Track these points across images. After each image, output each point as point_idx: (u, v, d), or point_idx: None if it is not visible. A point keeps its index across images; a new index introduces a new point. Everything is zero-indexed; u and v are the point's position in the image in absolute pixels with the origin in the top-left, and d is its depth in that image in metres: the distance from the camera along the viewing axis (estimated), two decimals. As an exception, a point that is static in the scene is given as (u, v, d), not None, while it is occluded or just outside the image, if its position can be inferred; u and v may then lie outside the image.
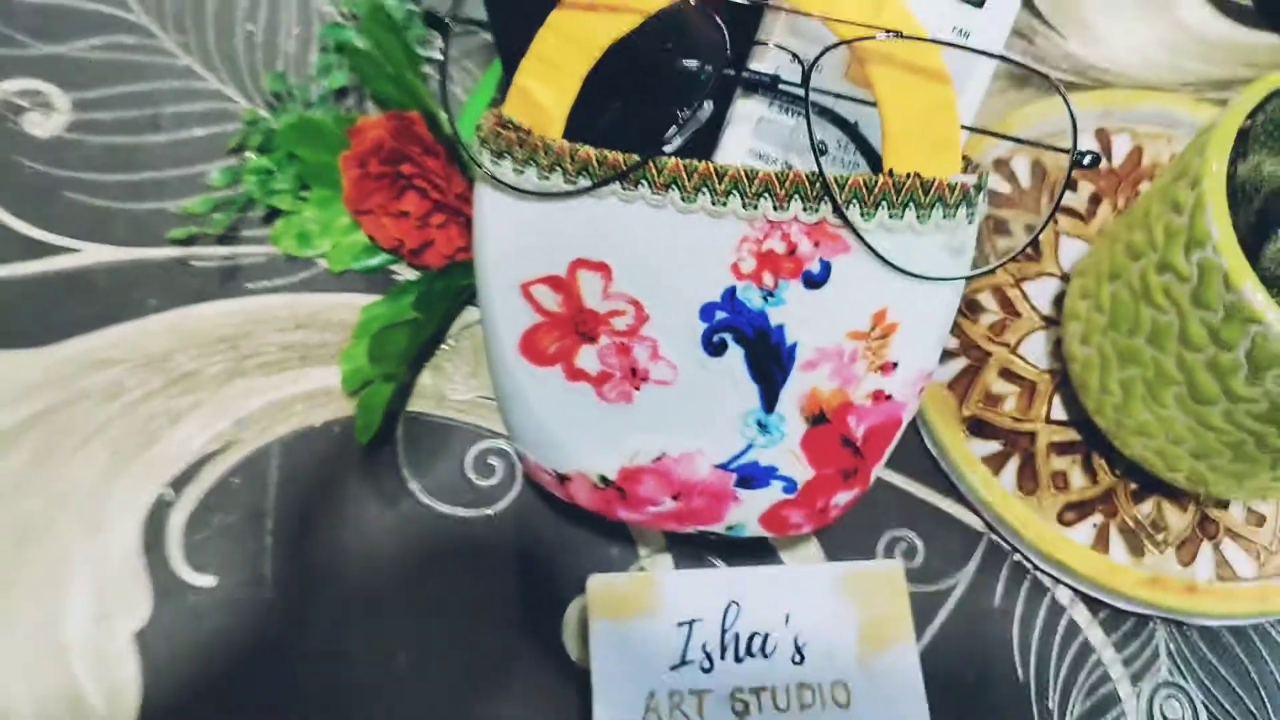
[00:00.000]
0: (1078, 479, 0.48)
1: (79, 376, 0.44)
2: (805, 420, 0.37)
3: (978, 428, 0.48)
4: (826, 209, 0.34)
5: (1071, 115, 0.34)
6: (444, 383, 0.46)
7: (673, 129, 0.34)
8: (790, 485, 0.38)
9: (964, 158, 0.37)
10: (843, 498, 0.39)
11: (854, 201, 0.34)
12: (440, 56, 0.49)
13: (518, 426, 0.39)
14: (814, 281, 0.35)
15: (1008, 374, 0.49)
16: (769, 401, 0.36)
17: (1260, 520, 0.48)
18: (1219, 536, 0.47)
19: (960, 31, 0.37)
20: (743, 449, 0.37)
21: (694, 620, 0.43)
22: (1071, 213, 0.53)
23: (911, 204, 0.34)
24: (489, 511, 0.44)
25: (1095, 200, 0.53)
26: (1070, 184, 0.35)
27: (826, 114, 0.37)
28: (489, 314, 0.38)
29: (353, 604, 0.42)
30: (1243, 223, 0.38)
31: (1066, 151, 0.34)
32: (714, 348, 0.36)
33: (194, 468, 0.43)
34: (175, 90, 0.50)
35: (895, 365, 0.36)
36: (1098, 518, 0.47)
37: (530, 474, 0.41)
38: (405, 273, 0.48)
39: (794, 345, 0.36)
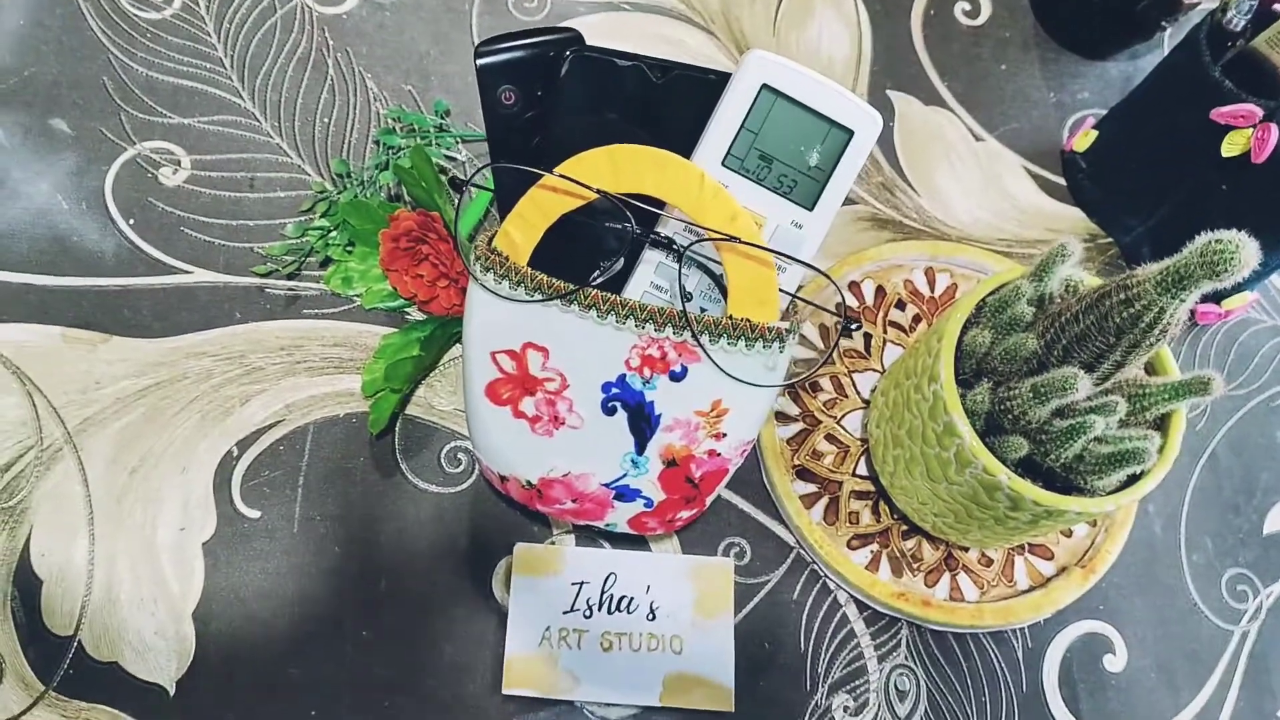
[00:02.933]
0: (866, 517, 0.68)
1: (182, 362, 0.64)
2: (663, 463, 0.57)
3: (803, 473, 0.68)
4: (688, 334, 0.54)
5: (839, 290, 0.54)
6: (433, 396, 0.66)
7: (596, 273, 0.54)
8: (649, 503, 0.58)
9: (787, 310, 0.58)
10: (684, 514, 0.59)
11: (705, 332, 0.54)
12: (457, 176, 0.69)
13: (478, 441, 0.59)
14: (676, 377, 0.55)
15: (831, 438, 0.70)
16: (640, 448, 0.57)
17: (989, 562, 0.69)
18: (957, 569, 0.68)
19: (795, 223, 0.57)
20: (620, 476, 0.57)
21: (583, 582, 0.64)
22: (898, 326, 0.73)
23: (742, 337, 0.54)
24: (453, 490, 0.64)
25: (917, 320, 0.73)
26: (848, 334, 0.55)
27: (703, 268, 0.57)
28: (468, 367, 0.58)
29: (352, 543, 0.62)
30: (966, 369, 0.59)
31: (836, 314, 0.55)
32: (608, 410, 0.56)
33: (254, 435, 0.64)
34: (267, 161, 0.70)
35: (725, 435, 0.57)
36: (875, 546, 0.68)
37: (483, 471, 0.61)
38: (415, 315, 0.68)
39: (660, 415, 0.56)
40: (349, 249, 0.68)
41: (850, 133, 0.56)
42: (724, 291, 0.58)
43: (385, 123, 0.71)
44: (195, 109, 0.70)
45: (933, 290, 0.74)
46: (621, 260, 0.55)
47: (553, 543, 0.65)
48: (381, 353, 0.66)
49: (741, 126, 0.55)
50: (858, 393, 0.71)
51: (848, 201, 0.75)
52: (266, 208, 0.68)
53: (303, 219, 0.68)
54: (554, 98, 0.56)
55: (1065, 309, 0.54)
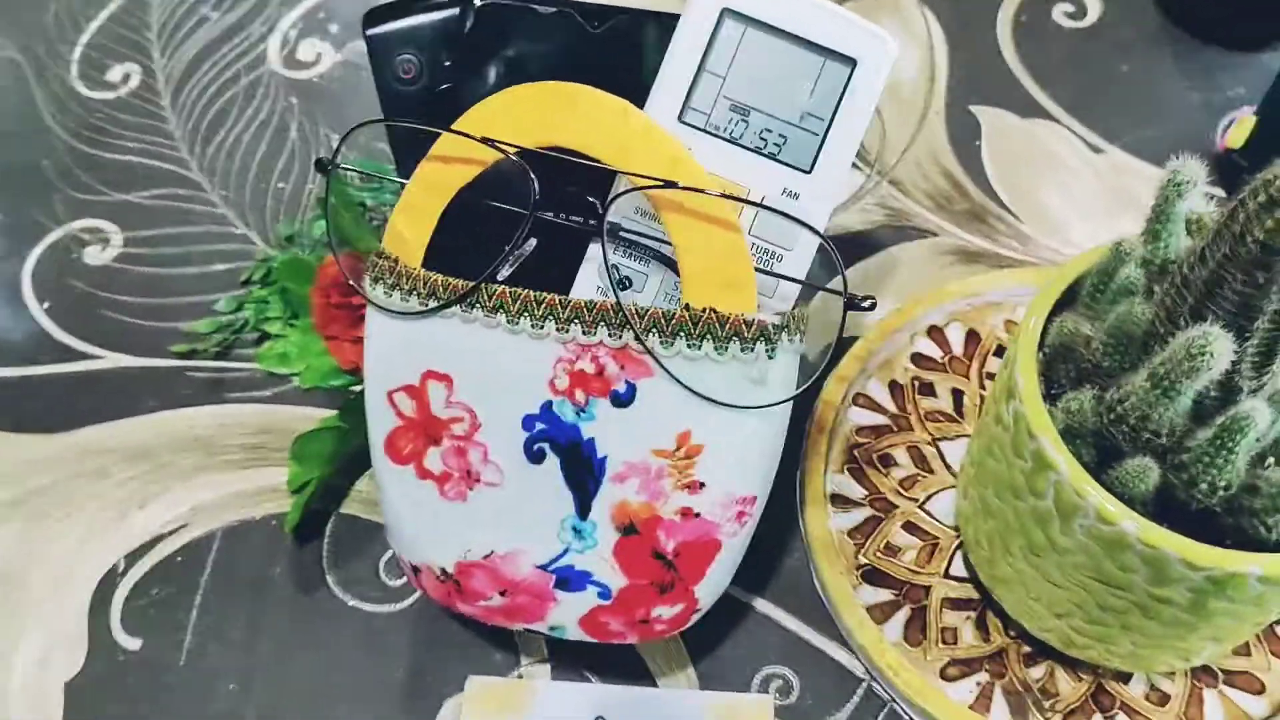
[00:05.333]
0: (968, 636, 0.48)
1: (79, 460, 0.52)
2: (616, 530, 0.40)
3: (873, 576, 0.49)
4: (629, 337, 0.38)
5: (837, 259, 0.37)
6: (375, 489, 0.52)
7: (499, 261, 0.39)
8: (605, 591, 0.41)
9: (796, 303, 0.41)
10: (665, 611, 0.41)
11: (653, 331, 0.38)
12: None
13: (387, 521, 0.44)
14: (621, 401, 0.39)
15: (911, 527, 0.50)
16: (583, 509, 0.40)
17: (1164, 699, 0.46)
18: (1113, 711, 0.46)
19: (789, 193, 0.41)
20: (560, 552, 0.40)
21: (558, 729, 0.46)
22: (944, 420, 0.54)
23: (709, 336, 0.38)
24: (393, 608, 0.49)
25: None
26: (855, 307, 0.38)
27: (661, 258, 0.41)
28: (369, 418, 0.43)
29: (253, 679, 0.47)
30: (1064, 380, 0.40)
31: (840, 294, 0.38)
32: (534, 455, 0.40)
33: (148, 545, 0.50)
34: (210, 233, 0.60)
35: (703, 485, 0.39)
36: (983, 676, 0.47)
37: (401, 567, 0.45)
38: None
39: (604, 458, 0.39)
40: (292, 321, 0.56)
41: (852, 62, 0.41)
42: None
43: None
44: (136, 184, 0.61)
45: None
46: (533, 241, 0.40)
47: (519, 675, 0.47)
48: (309, 437, 0.52)
49: (700, 68, 0.41)
50: (946, 466, 0.52)
51: (923, 234, 0.58)
52: (201, 283, 0.58)
53: (240, 292, 0.57)
54: (461, 61, 0.44)
55: (1188, 256, 0.35)
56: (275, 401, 0.54)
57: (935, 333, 0.56)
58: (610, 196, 0.39)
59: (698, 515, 0.40)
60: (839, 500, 0.51)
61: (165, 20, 0.68)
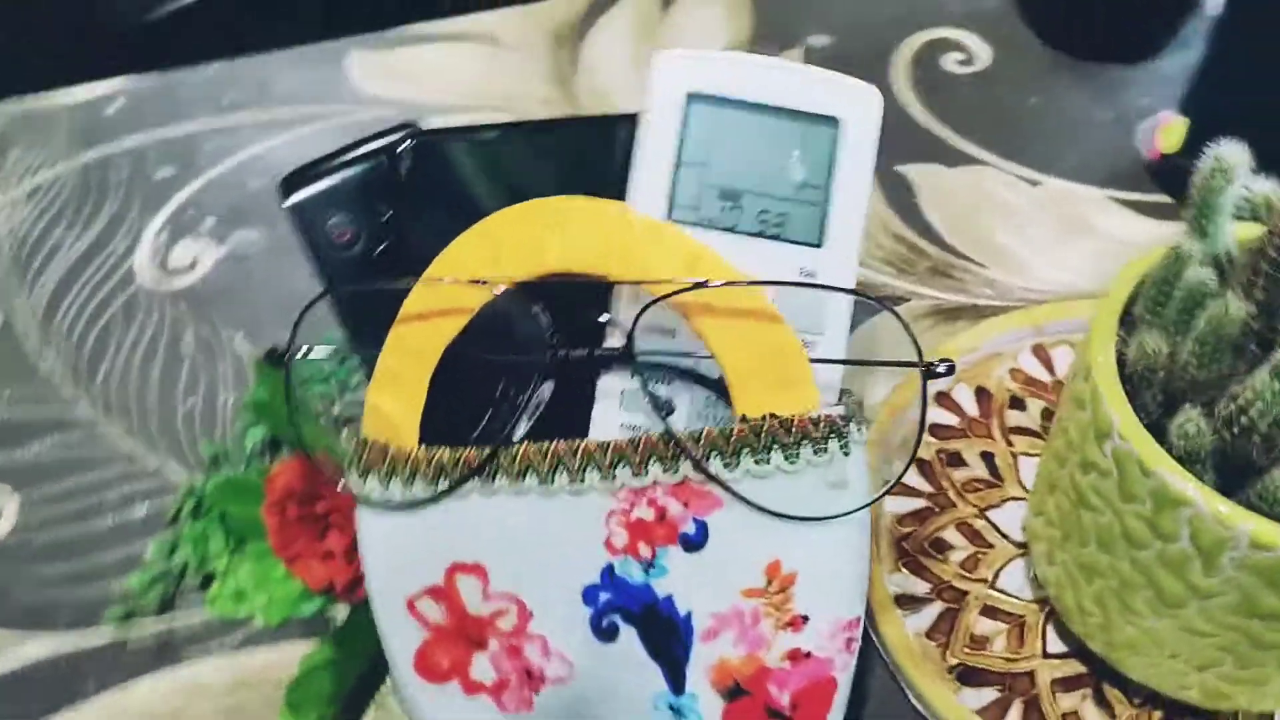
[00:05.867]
0: (1093, 716, 0.43)
1: (15, 779, 0.43)
2: (721, 696, 0.33)
3: (968, 676, 0.44)
4: (687, 467, 0.33)
5: (906, 326, 0.33)
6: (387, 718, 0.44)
7: (516, 416, 0.33)
8: (721, 775, 0.34)
9: (843, 391, 0.36)
10: (791, 780, 0.35)
11: (713, 454, 0.33)
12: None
13: (430, 755, 0.36)
14: (693, 543, 0.33)
15: (991, 611, 0.45)
16: (676, 682, 0.33)
17: (1313, 732, 0.42)
18: (1269, 758, 0.41)
19: (805, 272, 0.37)
20: (659, 740, 0.34)
21: None
22: (1027, 432, 0.51)
23: (776, 446, 0.33)
24: None
25: (1048, 415, 0.51)
26: (934, 375, 0.34)
27: (687, 375, 0.36)
28: (383, 636, 0.36)
29: None
30: (1152, 405, 0.36)
31: (917, 365, 0.33)
32: (605, 633, 0.33)
33: None
34: (119, 474, 0.51)
35: (806, 619, 0.34)
36: (1124, 759, 0.42)
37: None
38: (341, 613, 0.47)
39: (688, 615, 0.33)
40: (237, 553, 0.48)
41: (835, 121, 0.37)
42: (729, 401, 0.36)
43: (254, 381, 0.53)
44: (19, 440, 0.53)
45: (1053, 372, 0.52)
46: (549, 384, 0.34)
47: None
48: (303, 679, 0.44)
49: (678, 163, 0.37)
50: (1004, 536, 0.47)
51: (896, 301, 0.55)
52: (122, 533, 0.50)
53: (169, 533, 0.49)
54: (403, 210, 0.38)
55: (1273, 231, 0.32)
56: (243, 648, 0.46)
57: (944, 399, 0.52)
58: (637, 314, 0.33)
59: (808, 655, 0.34)
60: (905, 601, 0.46)
61: (15, 254, 0.60)
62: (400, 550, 0.35)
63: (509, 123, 0.39)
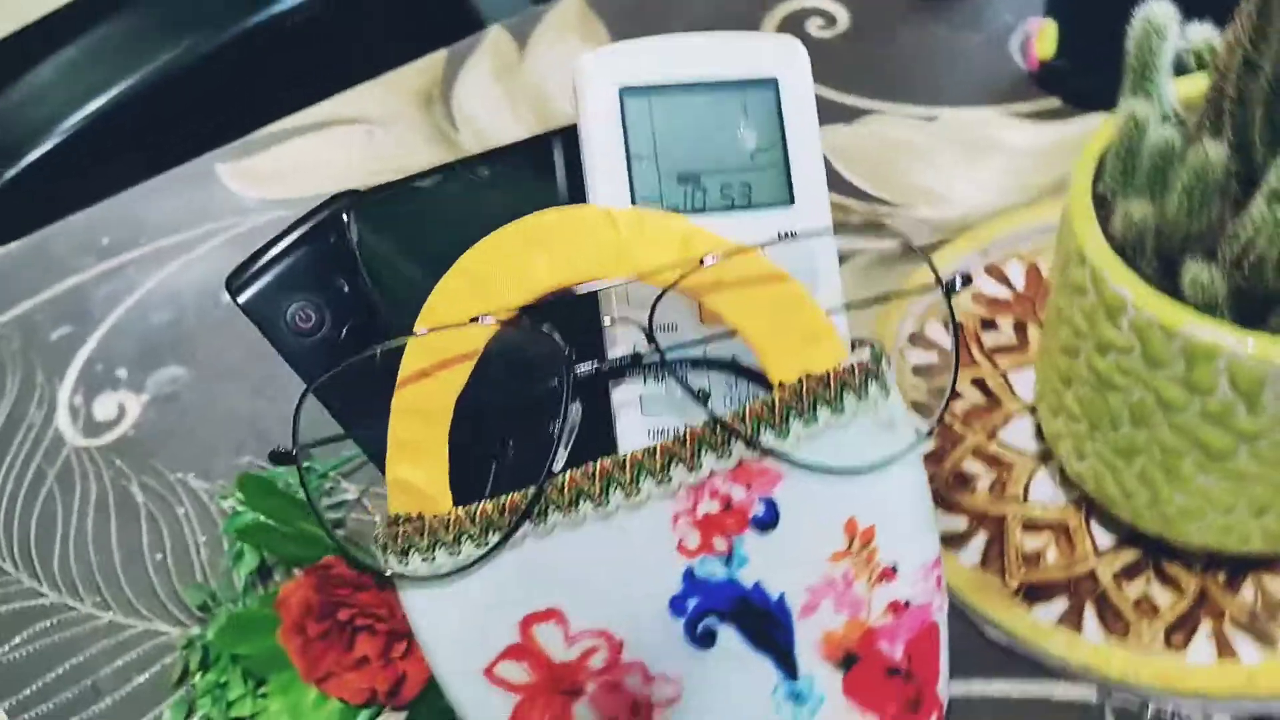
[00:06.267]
0: (1161, 597, 0.43)
1: None
2: (837, 668, 0.32)
3: (1034, 593, 0.43)
4: (740, 448, 0.32)
5: (916, 249, 0.33)
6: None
7: (554, 446, 0.32)
8: (857, 748, 0.33)
9: (855, 340, 0.36)
10: (923, 734, 0.34)
11: (763, 427, 0.32)
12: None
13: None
14: (765, 524, 0.32)
15: (1032, 526, 0.45)
16: (788, 668, 0.32)
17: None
18: (1337, 585, 0.42)
19: (785, 234, 0.36)
20: (787, 732, 0.32)
21: None
22: (1007, 349, 0.51)
23: (820, 403, 0.32)
24: None
25: (1020, 328, 0.51)
26: (953, 290, 0.33)
27: (702, 364, 0.35)
28: (464, 716, 0.34)
29: None
30: (1149, 272, 0.36)
31: (936, 286, 0.33)
32: (702, 639, 0.32)
33: None
34: (107, 649, 0.48)
35: (895, 569, 0.33)
36: (1206, 626, 0.42)
37: None
38: (397, 718, 0.44)
39: (781, 597, 0.32)
40: (261, 692, 0.45)
41: (773, 81, 0.37)
42: (753, 379, 0.35)
43: (223, 515, 0.50)
44: (-9, 643, 0.49)
45: (1011, 286, 0.53)
46: (577, 406, 0.33)
47: None
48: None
49: (629, 159, 0.36)
50: (1019, 452, 0.47)
51: (845, 257, 0.55)
52: (127, 709, 0.46)
53: (182, 692, 0.46)
54: (363, 280, 0.36)
55: (1224, 79, 0.33)
56: (296, 789, 0.43)
57: (920, 340, 0.52)
58: (651, 308, 0.32)
59: (907, 605, 0.33)
60: (950, 540, 0.45)
61: (-77, 456, 0.56)
62: (463, 621, 0.33)
63: (442, 165, 0.37)
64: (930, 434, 0.34)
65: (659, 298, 0.32)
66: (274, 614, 0.44)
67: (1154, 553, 0.43)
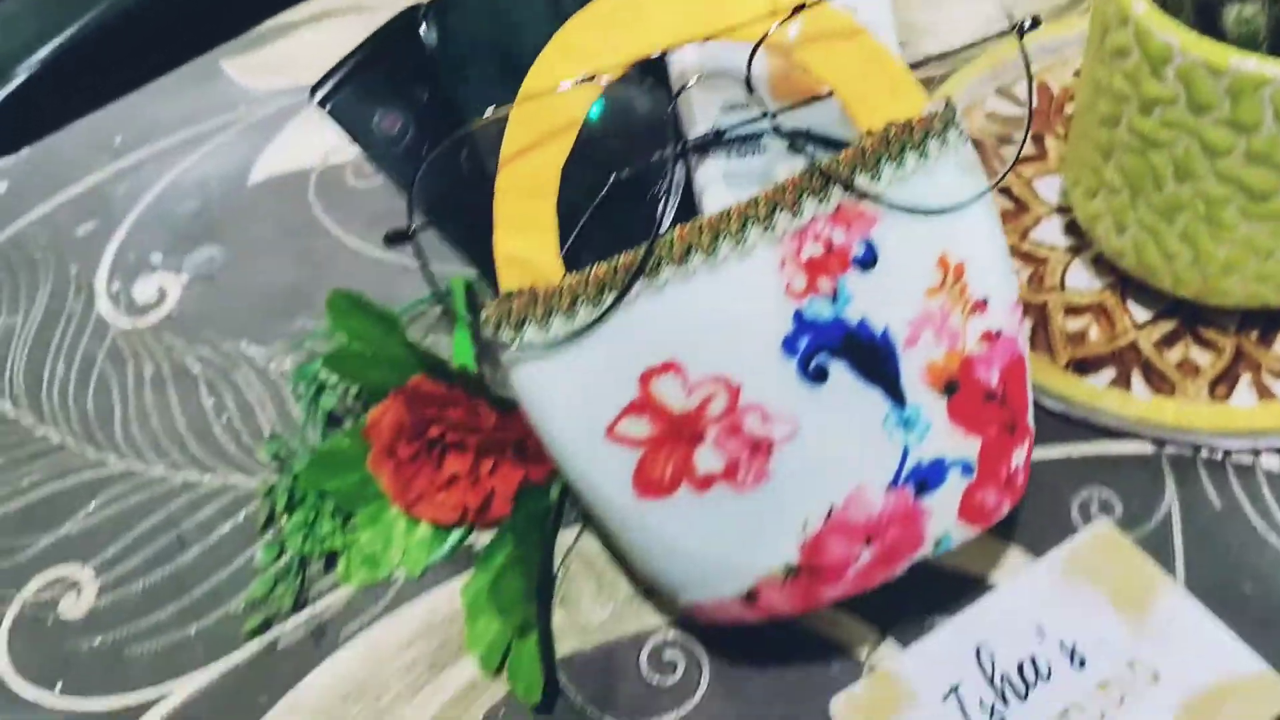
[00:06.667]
0: (1201, 358, 0.45)
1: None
2: (941, 394, 0.34)
3: (1082, 367, 0.46)
4: (838, 191, 0.33)
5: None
6: (577, 612, 0.43)
7: (660, 202, 0.33)
8: (967, 466, 0.35)
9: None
10: (1018, 456, 0.36)
11: (858, 170, 0.33)
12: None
13: (674, 575, 0.36)
14: (866, 263, 0.34)
15: (1073, 310, 0.48)
16: (896, 397, 0.34)
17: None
18: (1361, 331, 0.45)
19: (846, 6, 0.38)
20: (901, 456, 0.34)
21: (956, 686, 0.39)
22: (1028, 160, 0.53)
23: (906, 148, 0.34)
24: (690, 704, 0.40)
25: (1038, 140, 0.54)
26: (1023, 32, 0.35)
27: (769, 135, 0.37)
28: (586, 482, 0.35)
29: None
30: (1189, 24, 0.39)
31: (1012, 30, 0.35)
32: (815, 376, 0.34)
33: (384, 833, 0.39)
34: (184, 505, 0.48)
35: (985, 301, 0.35)
36: (1245, 378, 0.44)
37: (709, 620, 0.37)
38: (481, 540, 0.45)
39: (885, 330, 0.34)
40: (349, 527, 0.46)
41: None
42: (825, 146, 0.37)
43: (286, 371, 0.51)
44: (67, 512, 0.49)
45: (1020, 104, 0.55)
46: (680, 166, 0.34)
47: (870, 668, 0.40)
48: (473, 609, 0.43)
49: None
50: (1051, 248, 0.50)
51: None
52: (215, 556, 0.47)
53: (269, 535, 0.47)
54: (442, 82, 0.38)
55: None
56: (397, 607, 0.44)
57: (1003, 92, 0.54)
58: (750, 55, 0.34)
59: (998, 334, 0.35)
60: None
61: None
62: (581, 387, 0.34)
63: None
64: (1008, 172, 0.35)
65: (757, 45, 0.33)
66: (358, 448, 0.45)
67: (1190, 321, 0.46)
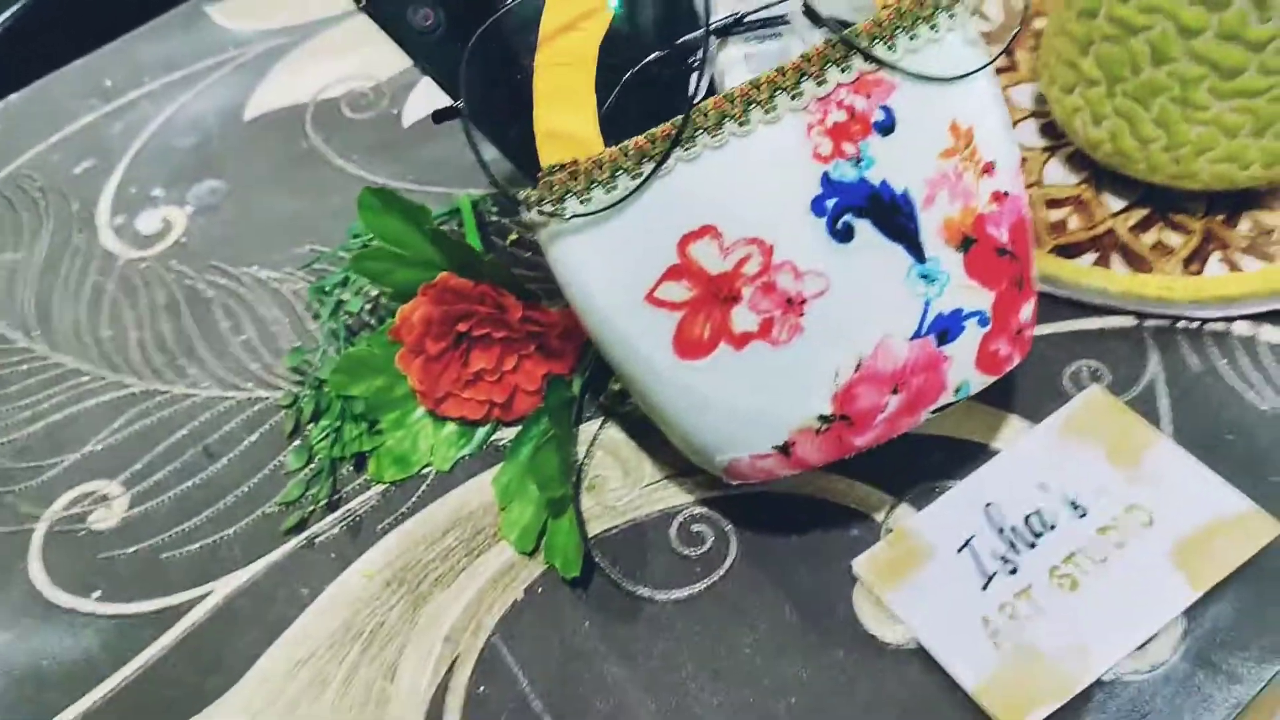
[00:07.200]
0: (1174, 239, 0.49)
1: (277, 693, 0.41)
2: (958, 250, 0.37)
3: (1065, 251, 0.49)
4: (858, 62, 0.36)
5: None
6: (605, 495, 0.45)
7: (695, 75, 0.35)
8: (983, 317, 0.37)
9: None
10: (1026, 311, 0.39)
11: (876, 41, 0.36)
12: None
13: (712, 434, 0.38)
14: (886, 128, 0.36)
15: (1052, 203, 0.51)
16: (917, 253, 0.36)
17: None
18: (1317, 209, 0.48)
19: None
20: (924, 307, 0.37)
21: (969, 539, 0.42)
22: (1000, 71, 0.56)
23: (919, 21, 0.36)
24: (720, 571, 0.42)
25: (1008, 54, 0.57)
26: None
27: (784, 21, 0.39)
28: (627, 348, 0.37)
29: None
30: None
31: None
32: (843, 234, 0.36)
33: (436, 703, 0.40)
34: (209, 420, 0.49)
35: (994, 163, 0.37)
36: (1215, 254, 0.48)
37: (744, 477, 0.39)
38: (506, 434, 0.47)
39: (905, 191, 0.36)
40: (375, 430, 0.47)
41: None
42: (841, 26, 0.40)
43: (298, 290, 0.53)
44: (91, 431, 0.50)
45: (990, 20, 0.58)
46: (714, 40, 0.37)
47: (889, 529, 0.43)
48: (504, 496, 0.45)
49: None
50: (1027, 149, 0.53)
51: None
52: (244, 464, 0.48)
53: (297, 442, 0.48)
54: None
55: None
56: (429, 501, 0.46)
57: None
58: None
59: (1006, 194, 0.38)
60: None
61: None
62: (621, 255, 0.36)
63: None
64: (1011, 42, 0.38)
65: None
66: (382, 352, 0.47)
67: (1161, 207, 0.50)
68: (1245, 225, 0.49)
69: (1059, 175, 0.52)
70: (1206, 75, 0.43)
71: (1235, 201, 0.49)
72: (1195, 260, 0.48)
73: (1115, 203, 0.50)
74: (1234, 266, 0.47)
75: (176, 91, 0.63)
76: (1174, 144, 0.46)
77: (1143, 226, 0.49)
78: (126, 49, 0.67)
